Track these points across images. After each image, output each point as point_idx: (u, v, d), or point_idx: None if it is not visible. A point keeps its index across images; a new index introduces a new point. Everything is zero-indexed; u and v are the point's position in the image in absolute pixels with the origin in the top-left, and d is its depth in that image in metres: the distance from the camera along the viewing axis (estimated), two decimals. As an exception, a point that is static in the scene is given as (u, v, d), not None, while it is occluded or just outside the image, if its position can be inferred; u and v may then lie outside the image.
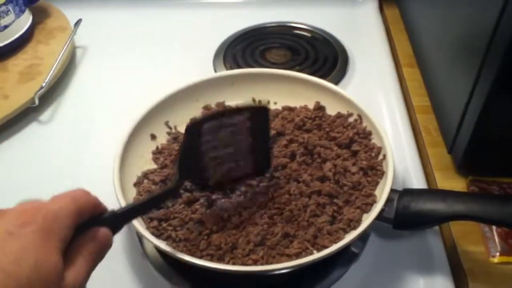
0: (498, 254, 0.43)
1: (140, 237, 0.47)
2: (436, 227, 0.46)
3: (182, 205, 0.46)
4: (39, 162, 0.57)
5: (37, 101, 0.60)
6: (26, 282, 0.26)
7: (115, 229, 0.34)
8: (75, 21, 0.72)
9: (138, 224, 0.41)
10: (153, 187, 0.47)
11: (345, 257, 0.45)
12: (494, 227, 0.44)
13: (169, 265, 0.45)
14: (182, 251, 0.41)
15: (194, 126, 0.42)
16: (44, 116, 0.62)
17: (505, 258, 0.42)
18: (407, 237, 0.46)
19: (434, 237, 0.46)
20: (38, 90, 0.60)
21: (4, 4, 0.62)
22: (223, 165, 0.45)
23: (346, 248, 0.45)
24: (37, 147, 0.58)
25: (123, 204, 0.42)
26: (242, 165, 0.46)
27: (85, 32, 0.72)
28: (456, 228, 0.45)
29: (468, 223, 0.43)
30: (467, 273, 0.42)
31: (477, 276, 0.42)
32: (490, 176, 0.49)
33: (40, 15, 0.72)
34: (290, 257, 0.42)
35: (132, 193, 0.47)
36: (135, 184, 0.48)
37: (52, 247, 0.28)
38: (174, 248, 0.41)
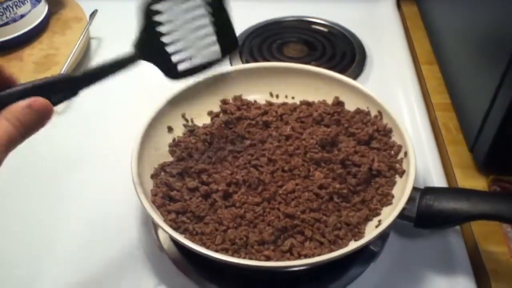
0: (521, 255, 0.42)
1: (156, 230, 0.47)
2: (457, 227, 0.46)
3: (199, 198, 0.45)
4: (53, 152, 0.56)
5: (52, 92, 0.59)
6: None
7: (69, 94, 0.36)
8: (91, 12, 0.71)
9: (156, 217, 0.41)
10: (170, 179, 0.46)
11: (364, 256, 0.45)
12: (517, 228, 0.43)
13: (185, 258, 0.45)
14: (198, 245, 0.41)
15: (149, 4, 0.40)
16: (59, 106, 0.61)
17: (528, 260, 0.42)
18: (427, 236, 0.46)
19: (455, 236, 0.45)
20: (54, 81, 0.59)
21: (21, -7, 0.62)
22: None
23: (365, 247, 0.44)
24: (52, 137, 0.58)
25: (142, 197, 0.42)
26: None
27: (100, 23, 0.72)
28: (478, 228, 0.45)
29: (490, 223, 0.42)
30: (490, 274, 0.41)
31: (500, 276, 0.41)
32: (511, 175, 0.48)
33: (56, 6, 0.72)
34: (306, 255, 0.41)
35: (150, 185, 0.46)
36: (152, 176, 0.47)
37: None
38: (191, 241, 0.41)
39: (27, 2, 0.63)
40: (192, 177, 0.47)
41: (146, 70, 0.67)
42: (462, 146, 0.53)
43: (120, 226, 0.48)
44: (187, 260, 0.45)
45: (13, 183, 0.53)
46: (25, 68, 0.62)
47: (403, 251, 0.45)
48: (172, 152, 0.50)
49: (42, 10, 0.67)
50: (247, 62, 0.66)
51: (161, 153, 0.50)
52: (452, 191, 0.44)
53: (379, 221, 0.43)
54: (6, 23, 0.62)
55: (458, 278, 0.42)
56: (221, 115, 0.55)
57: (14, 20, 0.63)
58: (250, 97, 0.56)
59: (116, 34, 0.72)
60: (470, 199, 0.40)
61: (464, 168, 0.51)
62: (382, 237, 0.46)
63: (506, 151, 0.47)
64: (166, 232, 0.40)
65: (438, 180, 0.50)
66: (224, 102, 0.55)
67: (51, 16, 0.70)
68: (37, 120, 0.34)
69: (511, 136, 0.45)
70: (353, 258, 0.44)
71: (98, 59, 0.69)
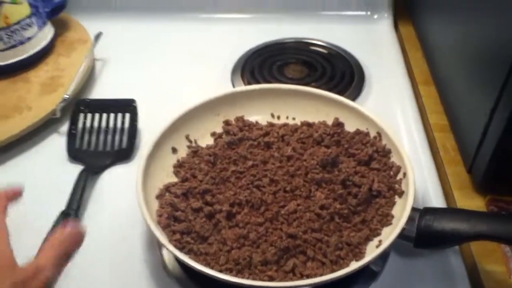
0: (519, 274, 0.43)
1: (161, 251, 0.48)
2: (456, 246, 0.47)
3: (204, 219, 0.46)
4: (60, 174, 0.57)
5: (59, 113, 0.61)
6: None
7: None
8: (95, 34, 0.73)
9: (162, 237, 0.42)
10: (175, 200, 0.47)
11: (365, 275, 0.46)
12: (515, 248, 0.44)
13: (189, 278, 0.45)
14: (202, 265, 0.41)
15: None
16: (65, 127, 0.62)
17: (527, 279, 0.43)
18: (427, 255, 0.46)
19: (455, 256, 0.46)
20: (61, 102, 0.61)
21: (29, 17, 0.64)
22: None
23: (365, 267, 0.45)
24: (57, 159, 0.59)
25: (148, 218, 0.43)
26: None
27: (105, 45, 0.73)
28: (477, 247, 0.45)
29: (489, 242, 0.43)
30: (489, 293, 0.42)
31: (499, 296, 0.42)
32: (508, 195, 0.49)
33: (61, 28, 0.74)
34: (309, 275, 0.42)
35: (155, 205, 0.47)
36: (157, 197, 0.48)
37: None
38: (196, 261, 0.42)
39: (34, 25, 0.65)
40: (196, 197, 0.48)
41: (149, 92, 0.68)
42: (460, 166, 0.54)
43: (126, 247, 0.49)
44: (192, 280, 0.45)
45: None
46: (32, 90, 0.64)
47: (403, 270, 0.46)
48: (176, 173, 0.51)
49: (48, 32, 0.69)
50: (249, 82, 0.67)
51: (166, 174, 0.51)
52: (451, 211, 0.45)
53: (380, 241, 0.44)
54: (14, 46, 0.64)
55: (457, 296, 0.43)
56: (223, 136, 0.56)
57: (21, 43, 0.64)
58: (252, 118, 0.57)
59: (120, 55, 0.74)
60: (469, 220, 0.41)
61: (463, 189, 0.52)
62: (382, 257, 0.46)
63: (503, 171, 0.48)
64: (172, 252, 0.41)
65: (436, 200, 0.51)
66: (227, 123, 0.57)
67: (57, 38, 0.72)
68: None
69: (507, 157, 0.46)
70: (354, 278, 0.45)
71: (102, 80, 0.70)
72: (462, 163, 0.54)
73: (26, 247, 0.48)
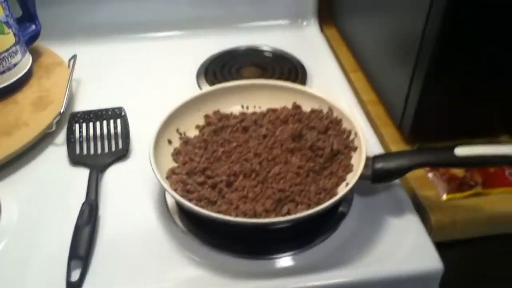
0: (445, 193, 0.59)
1: (174, 218, 0.59)
2: (399, 181, 0.62)
3: (209, 189, 0.57)
4: (66, 178, 0.65)
5: (54, 127, 0.69)
6: None
7: None
8: (67, 57, 0.81)
9: (178, 196, 0.54)
10: (184, 177, 0.58)
11: (337, 216, 0.60)
12: (439, 175, 0.61)
13: (201, 232, 0.57)
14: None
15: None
16: (59, 139, 0.70)
17: (451, 196, 0.59)
18: (380, 193, 0.61)
19: (399, 189, 0.62)
20: (56, 117, 0.69)
21: (14, 45, 0.71)
22: None
23: (337, 209, 0.60)
24: (60, 166, 0.67)
25: (167, 187, 0.54)
26: None
27: (77, 66, 0.82)
28: (413, 181, 0.61)
29: (421, 176, 0.59)
30: (427, 209, 0.58)
31: (434, 210, 0.58)
32: (430, 142, 0.66)
33: (35, 55, 0.81)
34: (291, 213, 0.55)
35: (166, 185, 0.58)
36: (167, 177, 0.59)
37: None
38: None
39: (18, 52, 0.72)
40: (198, 175, 0.59)
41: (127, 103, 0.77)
42: (391, 128, 0.70)
43: (142, 221, 0.59)
44: (202, 233, 0.57)
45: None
46: (24, 109, 0.71)
47: (364, 208, 0.60)
48: (176, 159, 0.62)
49: (28, 58, 0.76)
50: (213, 84, 0.80)
51: (167, 160, 0.62)
52: (394, 154, 0.61)
53: (347, 184, 0.58)
54: (3, 72, 0.70)
55: (406, 216, 0.58)
56: (206, 127, 0.67)
57: (9, 69, 0.71)
58: (227, 110, 0.69)
59: (90, 75, 0.83)
60: (407, 157, 0.56)
61: (396, 143, 0.68)
62: (348, 200, 0.61)
63: (423, 125, 0.65)
64: (188, 207, 0.52)
65: (379, 152, 0.67)
66: (207, 116, 0.68)
67: (34, 64, 0.79)
68: None
69: (425, 113, 0.63)
70: (330, 217, 0.59)
71: (84, 95, 0.78)
72: (393, 125, 0.70)
73: (55, 240, 0.57)
